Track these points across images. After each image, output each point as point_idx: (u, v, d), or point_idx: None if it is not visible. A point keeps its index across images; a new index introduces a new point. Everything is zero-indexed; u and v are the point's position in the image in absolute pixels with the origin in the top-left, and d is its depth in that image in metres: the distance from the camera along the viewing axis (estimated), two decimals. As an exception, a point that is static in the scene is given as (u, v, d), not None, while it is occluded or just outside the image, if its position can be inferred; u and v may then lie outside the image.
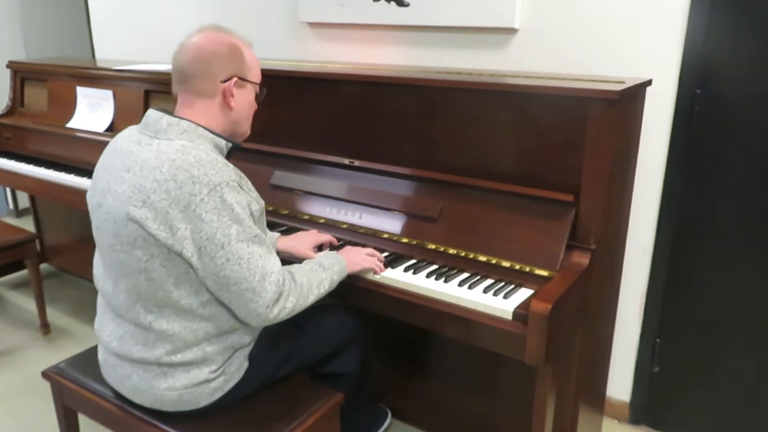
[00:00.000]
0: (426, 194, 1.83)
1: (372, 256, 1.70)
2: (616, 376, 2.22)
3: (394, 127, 1.95)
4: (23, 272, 3.29)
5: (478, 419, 2.10)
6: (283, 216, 2.05)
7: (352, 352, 1.76)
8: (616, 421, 2.26)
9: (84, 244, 3.31)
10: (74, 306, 3.15)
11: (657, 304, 2.09)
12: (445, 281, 1.64)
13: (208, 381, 1.42)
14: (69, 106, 2.93)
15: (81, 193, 2.61)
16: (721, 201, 1.92)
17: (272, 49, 2.64)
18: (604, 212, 1.63)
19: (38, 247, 3.35)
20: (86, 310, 3.08)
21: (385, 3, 2.29)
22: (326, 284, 1.52)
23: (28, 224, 3.50)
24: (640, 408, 2.22)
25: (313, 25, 2.56)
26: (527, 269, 1.64)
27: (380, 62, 2.41)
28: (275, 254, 1.42)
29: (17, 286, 3.38)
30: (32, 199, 3.49)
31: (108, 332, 1.47)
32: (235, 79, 1.44)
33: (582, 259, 1.61)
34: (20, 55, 4.12)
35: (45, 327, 2.86)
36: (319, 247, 1.80)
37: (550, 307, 1.40)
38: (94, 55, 3.54)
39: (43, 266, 3.40)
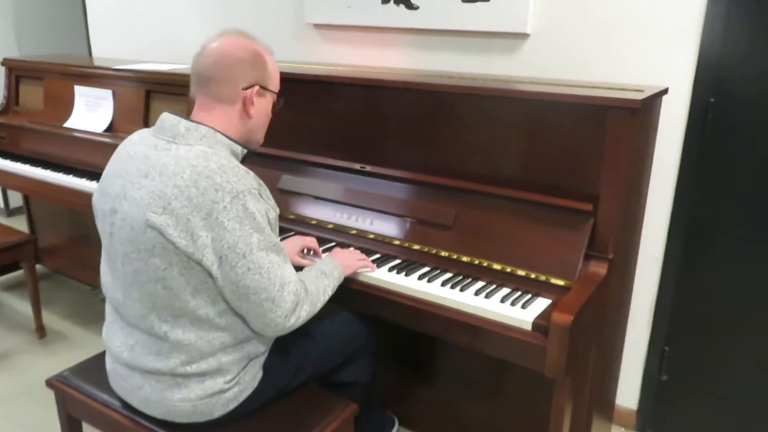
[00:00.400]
0: (439, 201, 1.81)
1: (361, 260, 1.70)
2: (623, 383, 2.21)
3: (406, 132, 1.93)
4: (16, 273, 3.23)
5: (484, 426, 2.08)
6: (290, 221, 2.02)
7: (364, 360, 1.74)
8: (622, 429, 2.26)
9: (78, 245, 3.26)
10: (69, 308, 3.09)
11: (666, 312, 2.08)
12: (461, 290, 1.62)
13: (222, 391, 1.39)
14: (66, 106, 2.87)
15: (80, 195, 2.57)
16: (733, 210, 1.92)
17: (276, 51, 2.59)
18: (622, 221, 1.62)
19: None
20: (81, 313, 3.03)
21: (394, 6, 2.26)
22: (329, 291, 1.52)
23: (19, 224, 3.43)
24: (647, 416, 2.22)
25: (318, 26, 2.53)
26: (543, 278, 1.63)
27: (388, 65, 2.38)
28: (290, 263, 1.40)
29: (10, 287, 3.32)
30: (26, 199, 3.42)
31: (118, 342, 1.43)
32: (257, 87, 1.42)
33: (599, 268, 1.60)
34: (13, 53, 4.04)
35: (40, 330, 2.81)
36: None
37: (571, 318, 1.39)
38: (90, 54, 3.48)
39: (37, 267, 3.33)
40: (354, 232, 1.93)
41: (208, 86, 1.39)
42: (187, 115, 1.40)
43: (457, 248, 1.75)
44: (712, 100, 1.85)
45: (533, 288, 1.62)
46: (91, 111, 2.79)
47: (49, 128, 2.83)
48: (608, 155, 1.55)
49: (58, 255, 3.41)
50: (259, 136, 1.51)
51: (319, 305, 1.46)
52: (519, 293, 1.60)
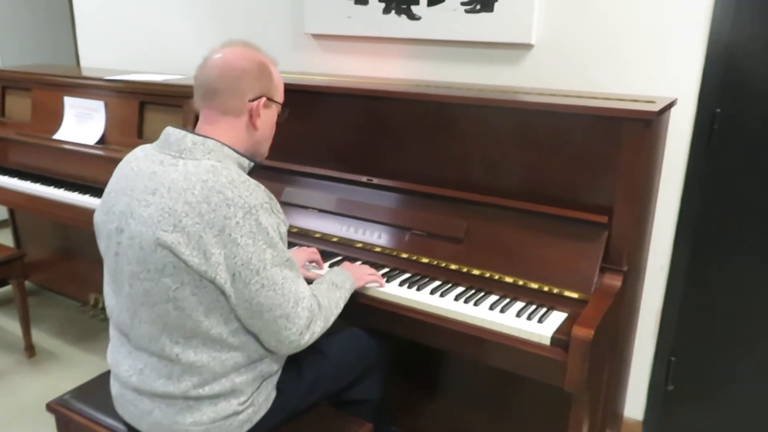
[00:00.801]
0: (449, 213, 1.79)
1: (371, 274, 1.68)
2: (629, 394, 2.20)
3: (413, 144, 1.91)
4: (1, 290, 3.13)
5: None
6: (293, 234, 1.98)
7: (375, 377, 1.71)
8: (629, 440, 2.25)
9: (66, 259, 3.18)
10: (58, 326, 3.00)
11: (672, 322, 2.08)
12: (475, 304, 1.60)
13: (236, 413, 1.35)
14: (55, 117, 2.80)
15: (71, 209, 2.51)
16: (739, 219, 1.92)
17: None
18: (636, 233, 1.61)
19: (18, 263, 3.20)
20: (70, 330, 2.95)
21: (396, 16, 2.24)
22: (341, 303, 1.49)
23: (4, 237, 3.34)
24: (653, 427, 2.21)
25: (317, 36, 2.50)
26: (556, 291, 1.61)
27: (389, 76, 2.36)
28: (302, 278, 1.36)
29: (-5, 304, 3.22)
30: (11, 211, 3.32)
31: (126, 366, 1.37)
32: (264, 98, 1.39)
33: (614, 281, 1.59)
34: (-5, 63, 3.95)
35: (30, 349, 2.72)
36: None
37: (592, 332, 1.37)
38: (79, 64, 3.40)
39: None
40: (360, 245, 1.90)
41: (213, 98, 1.36)
42: (185, 126, 1.36)
43: (468, 261, 1.73)
44: (718, 110, 1.85)
45: (547, 301, 1.60)
46: (81, 123, 2.72)
47: (38, 140, 2.75)
48: (623, 167, 1.54)
49: (45, 270, 3.32)
50: (265, 148, 1.49)
51: (332, 319, 1.43)
52: (534, 307, 1.58)
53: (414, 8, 2.19)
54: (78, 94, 2.74)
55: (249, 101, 1.37)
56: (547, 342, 1.45)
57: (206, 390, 1.31)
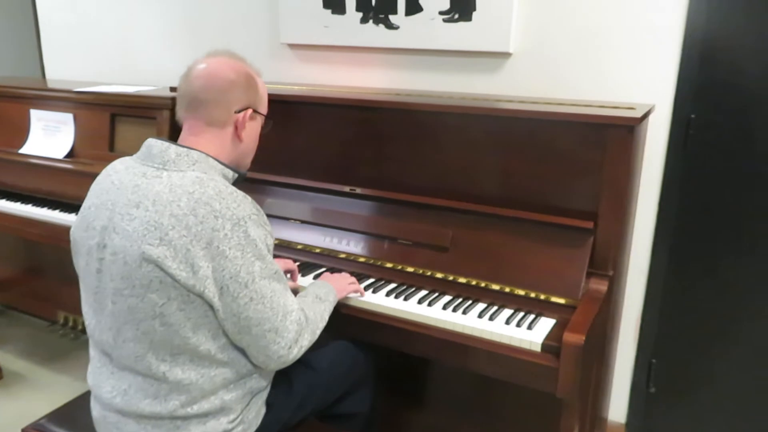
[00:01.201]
0: (434, 222, 1.78)
1: (352, 284, 1.67)
2: (612, 397, 2.22)
3: (395, 153, 1.91)
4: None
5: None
6: (274, 246, 1.94)
7: (364, 390, 1.68)
8: (612, 443, 2.27)
9: (33, 277, 3.07)
10: (26, 347, 2.89)
11: (653, 324, 2.11)
12: (464, 313, 1.59)
13: (226, 432, 1.31)
14: (20, 131, 2.71)
15: (40, 225, 2.43)
16: (715, 223, 1.96)
17: (248, 71, 2.54)
18: (621, 238, 1.63)
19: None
20: (39, 351, 2.84)
21: (374, 25, 2.24)
22: (326, 316, 1.46)
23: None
24: (636, 429, 2.23)
25: (294, 47, 2.48)
26: (543, 297, 1.62)
27: (367, 85, 2.35)
28: (290, 290, 1.34)
29: (-43, 325, 3.09)
30: (-28, 230, 3.20)
31: (109, 387, 1.32)
32: (249, 110, 1.38)
33: (601, 286, 1.60)
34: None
35: (-3, 372, 2.62)
36: None
37: (584, 337, 1.38)
38: (44, 76, 3.31)
39: (-13, 303, 3.14)
40: (343, 255, 1.88)
41: (198, 109, 1.33)
42: (158, 136, 1.33)
43: (455, 270, 1.73)
44: (693, 116, 1.89)
45: (535, 308, 1.60)
46: (49, 136, 2.64)
47: (3, 155, 2.66)
48: (607, 173, 1.56)
49: (10, 288, 3.20)
50: (248, 160, 1.47)
51: (318, 332, 1.41)
52: (522, 314, 1.58)
53: (392, 18, 2.20)
54: (45, 107, 2.66)
55: (235, 112, 1.35)
56: (538, 348, 1.45)
57: (195, 409, 1.27)
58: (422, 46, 2.18)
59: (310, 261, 1.88)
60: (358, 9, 2.25)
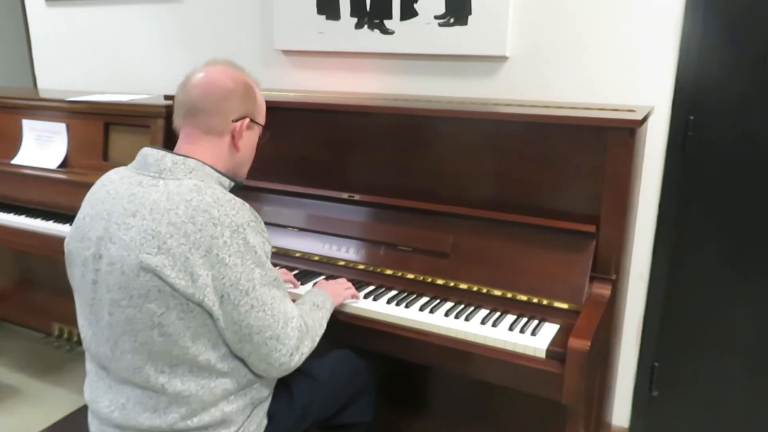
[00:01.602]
0: (434, 228, 1.77)
1: (348, 288, 1.66)
2: (615, 402, 2.20)
3: (393, 159, 1.89)
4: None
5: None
6: (272, 254, 1.91)
7: (366, 399, 1.66)
8: (616, 448, 2.25)
9: (26, 289, 3.04)
10: (21, 360, 2.85)
11: (654, 328, 2.10)
12: (466, 319, 1.57)
13: (227, 445, 1.28)
14: (12, 141, 2.68)
15: (33, 236, 2.40)
16: (715, 225, 1.95)
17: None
18: (624, 242, 1.61)
19: (-26, 295, 3.05)
20: (34, 364, 2.80)
21: (368, 30, 2.23)
22: (324, 323, 1.45)
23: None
24: (639, 433, 2.22)
25: (288, 53, 2.46)
26: (546, 302, 1.60)
27: (363, 91, 2.34)
28: (289, 297, 1.33)
29: (-50, 339, 3.05)
30: (-36, 242, 3.16)
31: (106, 402, 1.29)
32: (247, 119, 1.37)
33: (603, 290, 1.59)
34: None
35: (-10, 386, 2.58)
36: None
37: (589, 343, 1.36)
38: (35, 85, 3.28)
39: (-20, 316, 3.10)
40: (343, 263, 1.86)
41: (196, 117, 1.32)
42: (154, 145, 1.32)
43: (456, 276, 1.71)
44: (691, 117, 1.89)
45: (538, 313, 1.59)
46: (42, 146, 2.61)
47: (-5, 166, 2.63)
48: (609, 176, 1.55)
49: (4, 301, 3.15)
50: (245, 170, 1.46)
51: (317, 339, 1.39)
52: (525, 320, 1.56)
53: (387, 23, 2.18)
54: (37, 117, 2.63)
55: (232, 121, 1.35)
56: (543, 355, 1.44)
57: (195, 421, 1.25)
58: (418, 51, 2.17)
59: (309, 269, 1.86)
60: (352, 14, 2.24)
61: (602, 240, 1.59)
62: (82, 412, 1.44)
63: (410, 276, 1.76)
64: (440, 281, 1.73)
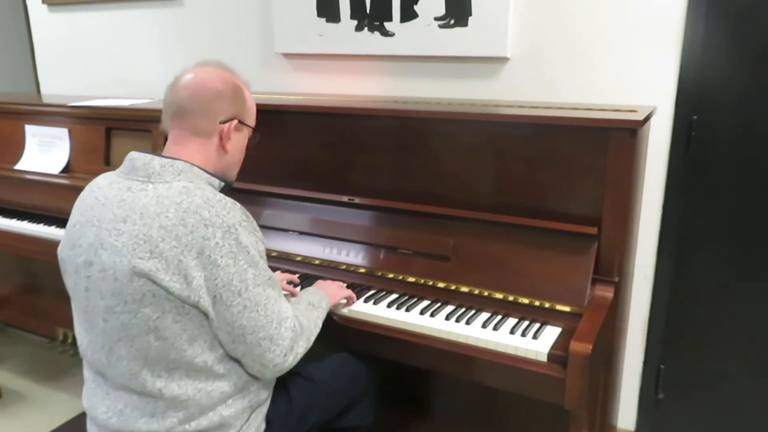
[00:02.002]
0: (435, 231, 1.75)
1: (342, 287, 1.66)
2: (621, 404, 2.18)
3: (393, 161, 1.88)
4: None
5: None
6: (273, 258, 1.92)
7: (366, 402, 1.65)
8: (622, 451, 2.23)
9: (31, 294, 3.04)
10: (25, 365, 2.86)
11: (659, 330, 2.08)
12: (467, 323, 1.56)
13: (225, 450, 1.28)
14: (15, 147, 2.68)
15: (36, 241, 2.40)
16: (719, 226, 1.93)
17: (244, 82, 2.52)
18: (626, 243, 1.60)
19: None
20: (39, 369, 2.81)
21: (369, 33, 2.22)
22: (319, 323, 1.45)
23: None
24: (645, 436, 2.19)
25: (288, 56, 2.46)
26: (548, 305, 1.59)
27: (363, 93, 2.33)
28: (284, 297, 1.33)
29: (-45, 344, 3.06)
30: (-32, 247, 3.17)
31: (104, 408, 1.29)
32: (235, 121, 1.36)
33: (606, 292, 1.57)
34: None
35: (-5, 391, 2.58)
36: None
37: (591, 346, 1.34)
38: (39, 91, 3.29)
39: (-15, 321, 3.11)
40: (344, 266, 1.85)
41: (184, 118, 1.32)
42: (154, 151, 1.32)
43: (456, 279, 1.70)
44: (695, 117, 1.87)
45: (539, 316, 1.57)
46: (44, 151, 2.61)
47: (-2, 171, 2.64)
48: (611, 177, 1.53)
49: (8, 306, 3.16)
50: (234, 171, 1.45)
51: (312, 339, 1.39)
52: (527, 323, 1.55)
53: (387, 25, 2.17)
54: (40, 122, 2.64)
55: (220, 123, 1.34)
56: (544, 358, 1.42)
57: (193, 426, 1.25)
58: (418, 53, 2.16)
59: (309, 273, 1.86)
60: (352, 17, 2.23)
61: (604, 242, 1.57)
62: (83, 417, 1.43)
63: (411, 279, 1.75)
64: (441, 284, 1.71)
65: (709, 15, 1.78)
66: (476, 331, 1.52)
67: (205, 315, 1.20)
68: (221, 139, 1.35)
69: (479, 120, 1.73)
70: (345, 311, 1.65)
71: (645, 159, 1.87)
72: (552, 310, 1.58)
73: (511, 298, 1.63)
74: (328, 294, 1.55)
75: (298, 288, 1.75)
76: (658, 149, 1.92)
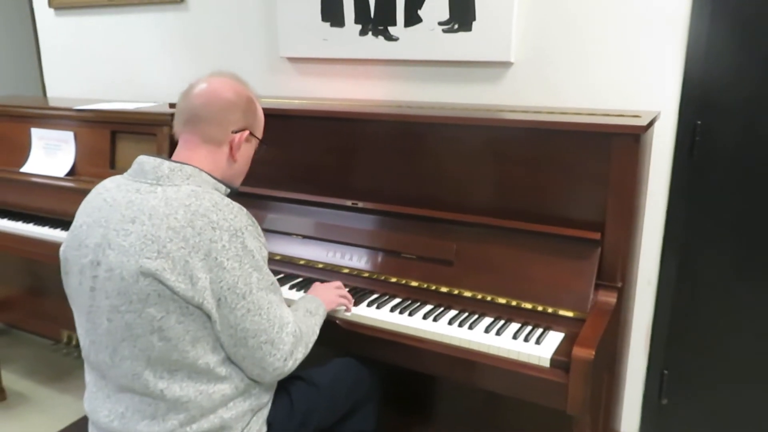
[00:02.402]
0: (438, 236, 1.75)
1: (339, 289, 1.66)
2: (624, 409, 2.17)
3: (395, 166, 1.88)
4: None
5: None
6: (276, 262, 1.93)
7: (369, 407, 1.65)
8: (625, 456, 2.22)
9: (36, 296, 3.05)
10: (29, 366, 2.87)
11: (663, 335, 2.07)
12: (470, 328, 1.56)
13: (226, 454, 1.28)
14: (21, 150, 2.70)
15: (42, 244, 2.41)
16: (723, 231, 1.93)
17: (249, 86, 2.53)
18: (629, 249, 1.59)
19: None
20: (43, 370, 2.82)
21: (373, 37, 2.22)
22: (317, 330, 1.46)
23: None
24: (649, 442, 2.19)
25: (293, 60, 2.46)
26: (551, 310, 1.59)
27: (368, 98, 2.33)
28: (285, 303, 1.35)
29: (-40, 346, 3.07)
30: (-27, 248, 3.19)
31: (106, 411, 1.30)
32: (246, 132, 1.40)
33: (609, 298, 1.57)
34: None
35: (0, 393, 2.59)
36: None
37: (593, 352, 1.34)
38: (45, 94, 3.31)
39: (-9, 323, 3.12)
40: (347, 270, 1.86)
41: (196, 125, 1.35)
42: (159, 154, 1.34)
43: (460, 284, 1.70)
44: (698, 122, 1.86)
45: (542, 321, 1.57)
46: (50, 154, 2.63)
47: (4, 174, 2.65)
48: (614, 182, 1.53)
49: (13, 308, 3.18)
50: (239, 181, 1.49)
51: (311, 346, 1.40)
52: (530, 328, 1.55)
53: (391, 29, 2.18)
54: (45, 126, 2.65)
55: (231, 132, 1.37)
56: (547, 364, 1.42)
57: (194, 428, 1.26)
58: (422, 57, 2.16)
59: (313, 276, 1.86)
60: (357, 21, 2.24)
61: (607, 247, 1.57)
62: (86, 420, 1.44)
63: (414, 284, 1.75)
64: (444, 289, 1.71)
65: (713, 20, 1.78)
66: (479, 336, 1.51)
67: (209, 317, 1.21)
68: (231, 148, 1.38)
69: (483, 125, 1.73)
70: (348, 315, 1.65)
71: (648, 164, 1.86)
72: (555, 316, 1.57)
73: (513, 303, 1.63)
74: (324, 301, 1.56)
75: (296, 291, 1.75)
76: (661, 154, 1.92)
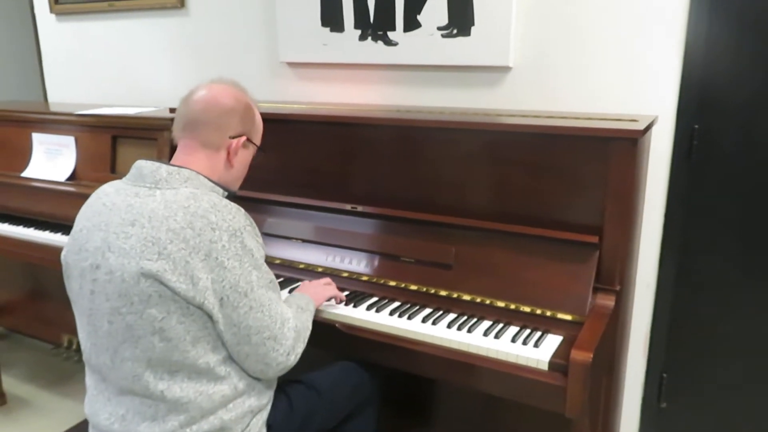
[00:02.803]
0: (437, 239, 1.76)
1: (328, 285, 1.68)
2: (623, 413, 2.18)
3: (394, 170, 1.89)
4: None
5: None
6: (276, 266, 1.93)
7: (369, 411, 1.66)
8: (624, 460, 2.22)
9: (36, 300, 3.06)
10: (30, 371, 2.88)
11: (662, 338, 2.08)
12: (469, 331, 1.56)
13: (226, 455, 1.29)
14: (23, 154, 2.71)
15: (43, 249, 2.42)
16: (722, 234, 1.94)
17: (248, 90, 2.53)
18: (627, 252, 1.60)
19: (-15, 307, 3.08)
20: (44, 375, 2.83)
21: (372, 42, 2.24)
22: (310, 325, 1.47)
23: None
24: (648, 445, 2.19)
25: (293, 65, 2.48)
26: (549, 314, 1.59)
27: (366, 102, 2.35)
28: (282, 299, 1.38)
29: (-39, 350, 3.08)
30: (-25, 253, 3.20)
31: (106, 414, 1.31)
32: (244, 138, 1.43)
33: (607, 301, 1.57)
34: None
35: (1, 397, 2.59)
36: None
37: (591, 355, 1.35)
38: (46, 99, 3.32)
39: (-8, 328, 3.13)
40: (346, 274, 1.86)
41: (195, 130, 1.38)
42: (159, 158, 1.35)
43: (458, 287, 1.70)
44: (696, 126, 1.87)
45: (541, 325, 1.58)
46: (51, 159, 2.64)
47: (5, 178, 2.66)
48: (612, 186, 1.54)
49: (13, 312, 3.19)
50: (237, 186, 1.51)
51: (306, 340, 1.42)
52: (528, 331, 1.55)
53: (390, 34, 2.19)
54: (46, 130, 2.66)
55: (229, 138, 1.40)
56: (545, 367, 1.42)
57: (194, 429, 1.27)
58: (421, 62, 2.17)
59: (312, 281, 1.86)
60: (356, 26, 2.25)
61: (606, 250, 1.58)
62: (86, 424, 1.45)
63: (413, 287, 1.76)
64: (443, 292, 1.72)
65: (712, 24, 1.79)
66: (478, 340, 1.52)
67: (209, 316, 1.23)
68: (228, 153, 1.41)
69: (482, 129, 1.74)
70: (347, 320, 1.65)
71: (647, 167, 1.87)
72: (553, 319, 1.58)
73: (512, 306, 1.63)
74: (313, 297, 1.58)
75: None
76: (659, 158, 1.93)
